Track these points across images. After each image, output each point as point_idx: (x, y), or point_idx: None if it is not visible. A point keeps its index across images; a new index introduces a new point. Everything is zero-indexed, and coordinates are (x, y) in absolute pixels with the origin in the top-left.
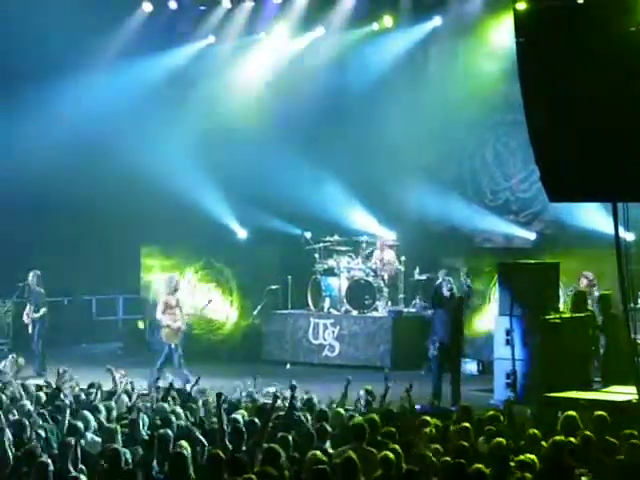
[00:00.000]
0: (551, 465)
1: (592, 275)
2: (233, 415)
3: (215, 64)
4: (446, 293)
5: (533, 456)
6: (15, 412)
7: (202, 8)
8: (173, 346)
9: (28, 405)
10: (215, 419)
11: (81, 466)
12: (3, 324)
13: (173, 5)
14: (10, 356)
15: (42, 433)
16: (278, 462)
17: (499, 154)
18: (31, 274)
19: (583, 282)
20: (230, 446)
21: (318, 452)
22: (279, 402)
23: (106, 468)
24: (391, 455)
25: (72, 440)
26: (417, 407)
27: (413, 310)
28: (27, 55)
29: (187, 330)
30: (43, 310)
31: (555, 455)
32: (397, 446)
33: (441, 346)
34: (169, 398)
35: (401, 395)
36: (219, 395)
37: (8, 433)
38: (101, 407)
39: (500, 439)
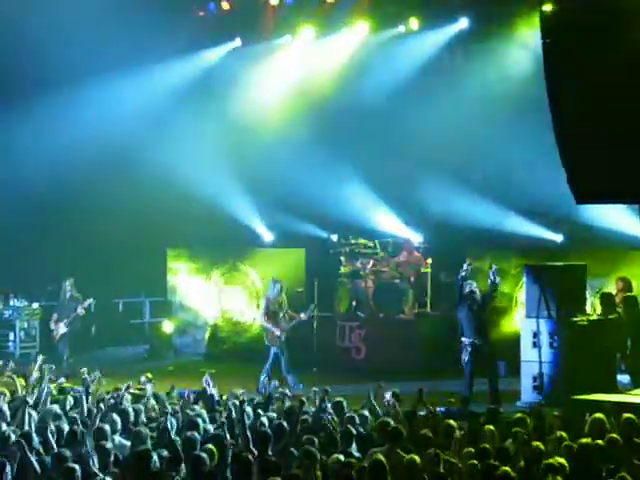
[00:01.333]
0: (578, 468)
1: (629, 280)
2: (261, 418)
3: (242, 67)
4: (467, 290)
5: (563, 460)
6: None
7: (227, 10)
8: (277, 350)
9: (56, 409)
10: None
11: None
12: (31, 327)
13: (201, 9)
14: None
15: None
16: (315, 465)
17: (526, 155)
18: (68, 282)
19: (619, 285)
20: (255, 450)
21: (340, 456)
22: (308, 405)
23: (136, 470)
24: (417, 459)
25: None
26: (441, 409)
27: (439, 312)
28: (53, 58)
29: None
30: (89, 301)
31: (582, 458)
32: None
33: (473, 348)
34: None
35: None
36: (242, 402)
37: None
38: (130, 410)
39: (534, 442)
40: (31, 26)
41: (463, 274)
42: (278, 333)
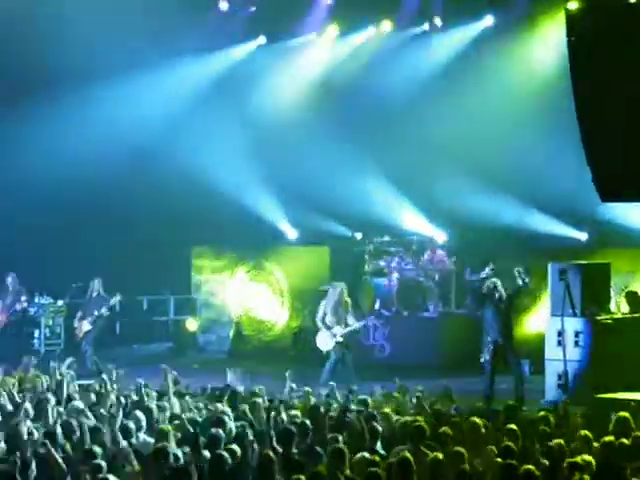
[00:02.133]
0: (603, 466)
1: None
2: (283, 416)
3: (266, 64)
4: (491, 288)
5: (590, 457)
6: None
7: (252, 9)
8: (332, 352)
9: (81, 405)
10: (265, 420)
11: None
12: (55, 324)
13: (224, 6)
14: (68, 359)
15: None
16: (344, 462)
17: (551, 154)
18: (97, 281)
19: None
20: (280, 448)
21: (366, 454)
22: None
23: (155, 466)
24: (441, 456)
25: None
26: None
27: (464, 311)
28: (75, 57)
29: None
30: (116, 298)
31: (606, 456)
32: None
33: (495, 348)
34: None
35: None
36: (271, 400)
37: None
38: (153, 407)
39: (557, 440)
40: (47, 23)
41: (484, 276)
42: (327, 336)
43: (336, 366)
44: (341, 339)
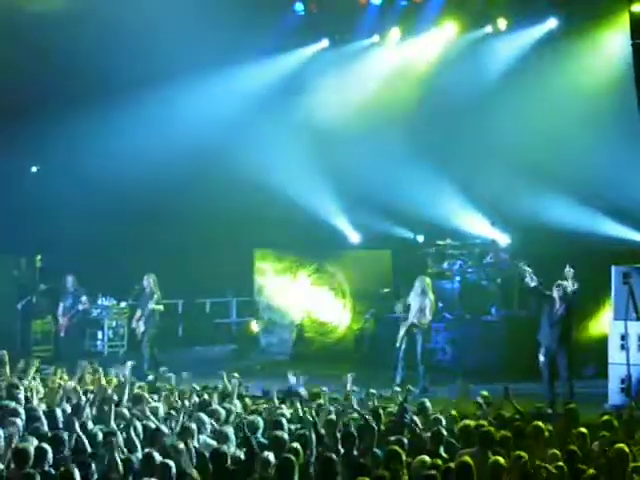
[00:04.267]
0: None
1: None
2: (345, 418)
3: (328, 68)
4: (555, 294)
5: None
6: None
7: (315, 12)
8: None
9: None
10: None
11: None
12: (119, 326)
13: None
14: (129, 362)
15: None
16: (399, 463)
17: (616, 157)
18: (150, 279)
19: None
20: (342, 449)
21: (426, 457)
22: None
23: (213, 468)
24: (502, 460)
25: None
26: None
27: (526, 314)
28: (141, 60)
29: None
30: (153, 304)
31: None
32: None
33: (547, 353)
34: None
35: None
36: (333, 402)
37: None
38: (220, 409)
39: (620, 445)
40: (108, 27)
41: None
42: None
43: (403, 361)
44: (408, 325)
